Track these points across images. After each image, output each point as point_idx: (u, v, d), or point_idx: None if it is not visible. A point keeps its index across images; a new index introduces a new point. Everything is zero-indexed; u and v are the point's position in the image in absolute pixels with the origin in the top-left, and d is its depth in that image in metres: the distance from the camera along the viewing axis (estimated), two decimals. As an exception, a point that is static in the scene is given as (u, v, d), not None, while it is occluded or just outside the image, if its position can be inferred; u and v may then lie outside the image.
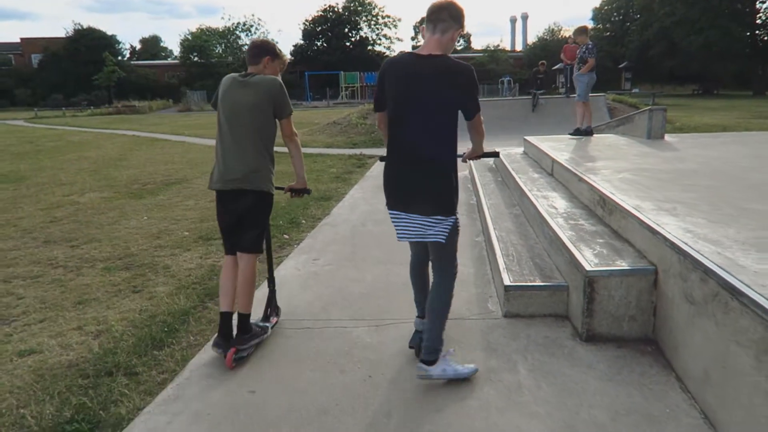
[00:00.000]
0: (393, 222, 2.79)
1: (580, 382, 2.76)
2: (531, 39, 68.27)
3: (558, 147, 6.90)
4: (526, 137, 8.26)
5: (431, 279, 2.92)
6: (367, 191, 8.10)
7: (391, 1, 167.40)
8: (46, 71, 53.89)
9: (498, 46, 62.71)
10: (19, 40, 60.19)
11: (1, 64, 56.71)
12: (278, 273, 4.55)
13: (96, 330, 3.60)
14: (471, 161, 3.37)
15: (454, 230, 2.73)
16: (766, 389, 1.94)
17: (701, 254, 2.59)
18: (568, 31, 59.08)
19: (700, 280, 2.51)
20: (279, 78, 3.29)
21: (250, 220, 3.24)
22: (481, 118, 2.72)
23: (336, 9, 57.69)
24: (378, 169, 10.22)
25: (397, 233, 2.79)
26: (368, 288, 4.20)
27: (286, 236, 5.72)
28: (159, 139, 18.16)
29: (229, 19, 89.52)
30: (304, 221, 6.32)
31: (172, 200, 7.90)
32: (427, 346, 2.75)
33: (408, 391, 2.74)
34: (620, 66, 43.27)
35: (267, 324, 3.42)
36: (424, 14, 2.67)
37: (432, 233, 2.67)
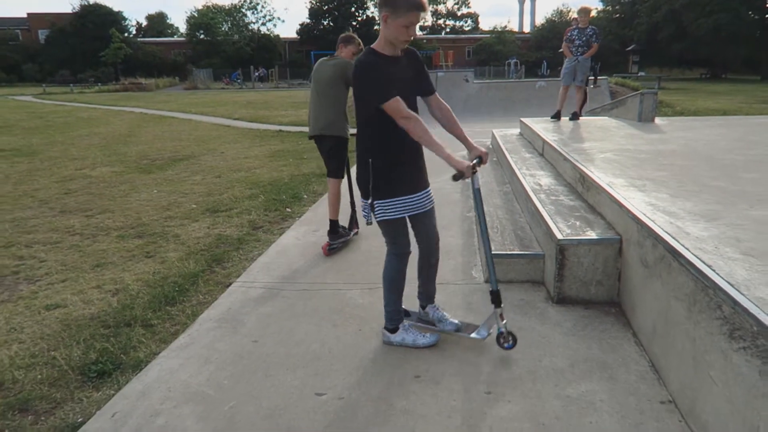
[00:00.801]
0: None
1: (547, 336, 3.10)
2: (539, 20, 67.80)
3: (550, 128, 7.18)
4: (522, 119, 8.53)
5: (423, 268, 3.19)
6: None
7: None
8: (53, 47, 54.01)
9: (506, 27, 62.34)
10: (25, 15, 60.18)
11: (8, 40, 56.77)
12: (280, 242, 4.91)
13: (114, 288, 3.96)
14: None
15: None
16: (693, 336, 2.26)
17: (655, 224, 2.90)
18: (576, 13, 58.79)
19: (652, 246, 2.83)
20: (353, 60, 4.33)
21: (332, 155, 4.66)
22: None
23: (343, -13, 57.36)
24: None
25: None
26: (362, 256, 4.53)
27: (288, 210, 6.05)
28: (166, 117, 18.46)
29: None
30: (305, 196, 6.64)
31: (180, 175, 8.24)
32: (384, 313, 3.05)
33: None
34: (628, 49, 43.09)
35: (350, 231, 4.92)
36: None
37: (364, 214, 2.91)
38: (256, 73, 45.60)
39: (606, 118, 8.69)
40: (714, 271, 2.23)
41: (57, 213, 6.16)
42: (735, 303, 1.97)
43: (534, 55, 53.45)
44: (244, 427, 2.38)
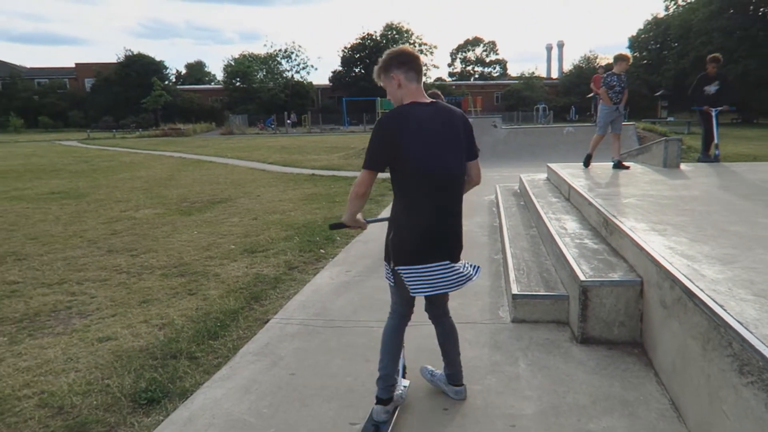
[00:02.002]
0: (440, 273, 2.61)
1: (570, 374, 3.22)
2: (567, 66, 68.54)
3: (577, 174, 7.35)
4: (549, 164, 8.72)
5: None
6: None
7: (427, 29, 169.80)
8: (98, 94, 56.77)
9: (533, 73, 63.16)
10: (73, 65, 63.55)
11: (57, 88, 59.98)
12: (315, 282, 5.14)
13: (160, 323, 4.23)
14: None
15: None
16: (708, 372, 2.39)
17: (673, 266, 3.05)
18: (605, 59, 59.28)
19: (670, 287, 2.97)
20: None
21: None
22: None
23: (374, 36, 59.22)
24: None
25: (447, 285, 2.65)
26: (393, 296, 4.72)
27: (322, 251, 6.30)
28: (204, 161, 19.17)
29: (271, 46, 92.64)
30: (338, 238, 6.90)
31: (219, 217, 8.61)
32: (461, 373, 3.01)
33: (421, 377, 3.24)
34: (656, 94, 43.15)
35: None
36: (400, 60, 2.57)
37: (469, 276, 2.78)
38: (289, 120, 46.99)
39: (632, 163, 8.81)
40: (725, 310, 2.37)
41: (104, 252, 6.53)
42: (743, 340, 2.11)
43: (562, 100, 53.94)
44: (284, 452, 2.56)
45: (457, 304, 4.39)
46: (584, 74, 52.73)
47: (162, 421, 2.87)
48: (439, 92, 7.64)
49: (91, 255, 6.42)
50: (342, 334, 3.93)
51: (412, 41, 59.68)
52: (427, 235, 2.58)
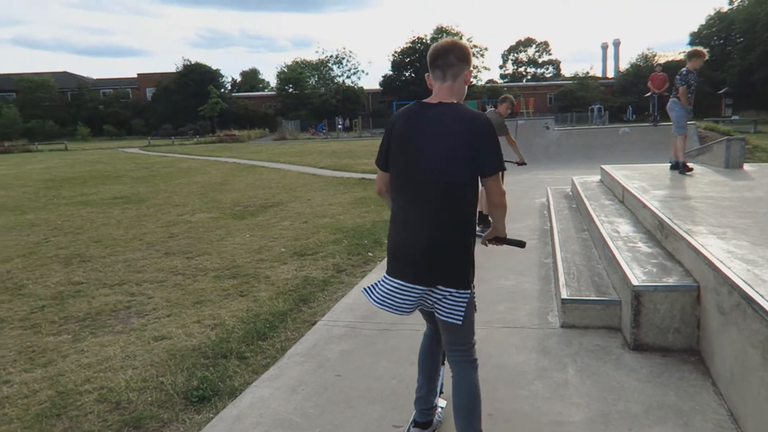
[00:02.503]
0: (397, 293, 2.30)
1: (622, 382, 3.12)
2: (623, 65, 66.51)
3: (631, 176, 7.12)
4: (602, 166, 8.49)
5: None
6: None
7: (478, 31, 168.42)
8: (158, 103, 59.00)
9: (588, 73, 61.57)
10: (136, 75, 66.31)
11: (120, 98, 62.70)
12: (362, 284, 5.17)
13: (212, 323, 4.35)
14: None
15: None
16: (766, 378, 2.27)
17: (732, 271, 2.91)
18: (664, 57, 57.17)
19: (728, 293, 2.84)
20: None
21: None
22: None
23: (424, 40, 59.13)
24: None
25: (402, 307, 2.31)
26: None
27: (370, 254, 6.34)
28: (257, 166, 19.63)
29: (323, 52, 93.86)
30: (386, 241, 6.92)
31: (270, 221, 8.79)
32: None
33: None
34: (720, 92, 41.29)
35: None
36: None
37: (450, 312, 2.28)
38: (340, 125, 47.54)
39: (692, 164, 8.47)
40: (787, 317, 2.25)
41: (162, 255, 6.78)
42: (806, 349, 2.00)
43: (618, 100, 52.29)
44: (328, 452, 2.59)
45: (504, 308, 4.37)
46: (641, 73, 50.98)
47: (212, 418, 2.96)
48: (510, 96, 7.68)
49: (150, 257, 6.67)
50: (388, 336, 3.94)
51: (462, 44, 59.25)
52: (392, 247, 2.36)
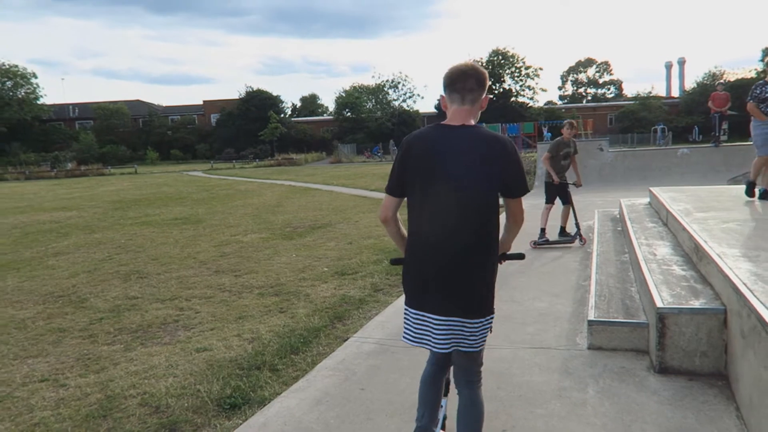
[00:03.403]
0: (422, 325, 2.30)
1: (642, 404, 3.12)
2: (688, 84, 64.30)
3: (678, 197, 6.97)
4: (651, 188, 8.32)
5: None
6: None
7: (535, 52, 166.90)
8: (222, 128, 61.45)
9: (650, 93, 59.85)
10: (201, 102, 69.46)
11: (187, 124, 65.75)
12: (397, 303, 5.32)
13: (250, 337, 4.59)
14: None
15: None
16: (777, 404, 2.26)
17: (753, 293, 2.88)
18: (733, 74, 54.92)
19: (747, 316, 2.81)
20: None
21: None
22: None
23: (480, 62, 59.28)
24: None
25: (432, 342, 2.29)
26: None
27: (408, 274, 6.46)
28: (311, 189, 20.16)
29: (379, 77, 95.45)
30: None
31: (317, 242, 9.07)
32: None
33: (485, 396, 3.28)
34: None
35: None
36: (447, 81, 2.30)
37: (473, 341, 2.29)
38: (394, 147, 48.11)
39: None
40: (794, 339, 2.23)
41: (212, 272, 7.14)
42: (804, 370, 2.00)
43: (684, 120, 50.55)
44: (343, 459, 2.73)
45: (533, 330, 4.40)
46: (708, 92, 49.21)
47: (240, 424, 3.15)
48: (574, 122, 7.96)
49: (201, 275, 7.04)
50: (415, 353, 4.03)
51: (518, 66, 59.03)
52: (414, 278, 2.30)
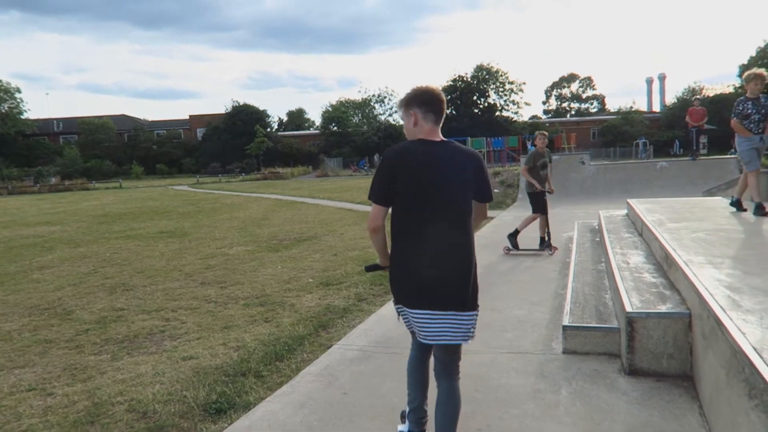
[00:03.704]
0: (422, 321, 2.47)
1: (611, 404, 3.26)
2: (669, 99, 65.53)
3: (653, 209, 7.20)
4: (629, 200, 8.55)
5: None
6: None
7: (520, 67, 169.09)
8: (207, 142, 61.45)
9: (632, 107, 60.87)
10: (188, 117, 69.45)
11: (173, 138, 65.70)
12: (380, 312, 5.43)
13: (236, 345, 4.68)
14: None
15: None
16: (730, 399, 2.41)
17: (713, 297, 3.05)
18: (712, 90, 56.09)
19: (707, 318, 2.98)
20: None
21: None
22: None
23: (465, 78, 59.99)
24: (487, 230, 10.89)
25: (430, 335, 2.49)
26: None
27: (392, 284, 6.59)
28: (297, 202, 20.25)
29: (365, 92, 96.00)
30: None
31: (302, 254, 9.18)
32: None
33: (463, 398, 3.41)
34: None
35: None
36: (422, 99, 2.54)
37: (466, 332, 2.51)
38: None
39: (719, 198, 8.46)
40: (745, 337, 2.40)
41: (198, 284, 7.21)
42: (751, 364, 2.16)
43: (665, 134, 51.45)
44: (325, 458, 2.84)
45: (512, 336, 4.55)
46: (687, 106, 50.23)
47: (225, 428, 3.25)
48: (546, 133, 8.30)
49: (187, 286, 7.11)
50: (397, 359, 4.16)
51: (501, 80, 59.81)
52: (410, 279, 2.48)
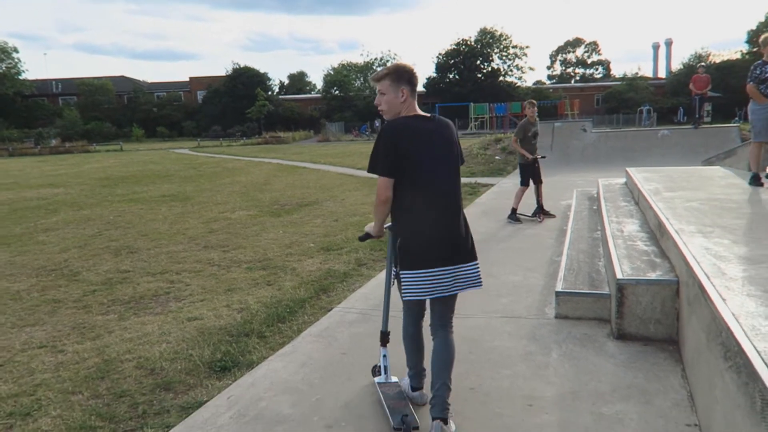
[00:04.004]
0: (439, 278, 2.69)
1: (598, 365, 3.41)
2: (675, 65, 64.66)
3: (651, 178, 7.27)
4: (627, 168, 8.62)
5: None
6: (472, 216, 8.91)
7: (524, 31, 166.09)
8: (208, 105, 61.00)
9: (637, 73, 60.08)
10: (188, 79, 68.72)
11: (173, 100, 65.17)
12: (379, 277, 5.57)
13: (239, 307, 4.84)
14: None
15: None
16: (708, 361, 2.54)
17: (699, 265, 3.17)
18: (719, 56, 55.33)
19: (692, 284, 3.10)
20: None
21: None
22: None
23: (469, 42, 59.13)
24: (487, 197, 10.99)
25: (445, 289, 2.71)
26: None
27: (391, 250, 6.73)
28: (298, 167, 20.30)
29: (368, 55, 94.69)
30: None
31: (304, 219, 9.30)
32: (446, 404, 2.72)
33: (457, 359, 3.56)
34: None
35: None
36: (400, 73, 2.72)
37: (476, 279, 2.80)
38: (378, 126, 48.19)
39: (717, 167, 8.52)
40: (725, 303, 2.51)
41: (201, 248, 7.35)
42: (728, 328, 2.28)
43: (669, 101, 50.95)
44: (325, 413, 3.00)
45: (507, 301, 4.69)
46: (693, 73, 49.64)
47: (230, 384, 3.41)
48: (534, 101, 8.29)
49: (190, 250, 7.25)
50: (395, 322, 4.26)
51: (505, 44, 58.97)
52: (430, 242, 2.67)
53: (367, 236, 3.07)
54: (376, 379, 3.27)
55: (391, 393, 3.08)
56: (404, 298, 2.79)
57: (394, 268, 2.89)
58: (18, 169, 24.59)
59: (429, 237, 2.69)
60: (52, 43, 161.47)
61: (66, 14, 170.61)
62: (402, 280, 2.73)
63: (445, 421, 2.67)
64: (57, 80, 67.30)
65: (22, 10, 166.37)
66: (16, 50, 59.20)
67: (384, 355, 3.26)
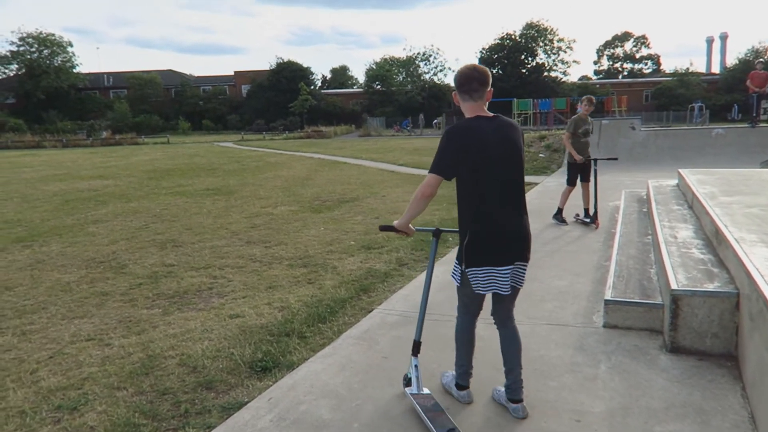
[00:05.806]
0: (505, 274, 2.80)
1: (650, 380, 3.26)
2: (730, 60, 62.12)
3: (705, 180, 6.96)
4: (680, 170, 8.28)
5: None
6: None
7: (571, 25, 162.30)
8: (252, 99, 61.93)
9: (688, 69, 57.95)
10: (233, 73, 69.87)
11: (218, 94, 66.41)
12: (421, 278, 5.49)
13: (280, 306, 4.84)
14: None
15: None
16: (775, 384, 2.38)
17: (763, 278, 2.98)
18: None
19: (756, 299, 2.92)
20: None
21: None
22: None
23: (513, 36, 58.20)
24: (530, 196, 10.75)
25: (504, 286, 2.83)
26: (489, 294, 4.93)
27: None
28: (339, 162, 20.36)
29: (410, 49, 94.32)
30: (450, 239, 7.19)
31: (345, 215, 9.29)
32: (520, 387, 2.96)
33: (500, 368, 3.46)
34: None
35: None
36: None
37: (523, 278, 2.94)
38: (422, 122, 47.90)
39: (778, 170, 8.10)
40: (795, 323, 2.35)
41: (244, 243, 7.42)
42: (799, 352, 2.12)
43: (723, 98, 49.03)
44: (365, 419, 2.96)
45: (552, 307, 4.55)
46: (750, 69, 47.57)
47: (271, 386, 3.40)
48: (593, 98, 7.95)
49: (233, 245, 7.33)
50: (436, 326, 4.24)
51: (550, 38, 57.74)
52: (499, 240, 2.78)
53: (389, 228, 3.11)
54: (408, 390, 3.18)
55: (428, 405, 2.99)
56: (476, 291, 2.86)
57: (458, 266, 2.93)
58: (71, 160, 25.46)
59: (501, 235, 2.78)
60: (103, 36, 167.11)
61: (116, 8, 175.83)
62: (470, 276, 2.82)
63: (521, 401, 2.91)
64: (108, 74, 69.47)
65: (76, 4, 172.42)
66: (70, 44, 61.41)
67: (415, 366, 3.17)
